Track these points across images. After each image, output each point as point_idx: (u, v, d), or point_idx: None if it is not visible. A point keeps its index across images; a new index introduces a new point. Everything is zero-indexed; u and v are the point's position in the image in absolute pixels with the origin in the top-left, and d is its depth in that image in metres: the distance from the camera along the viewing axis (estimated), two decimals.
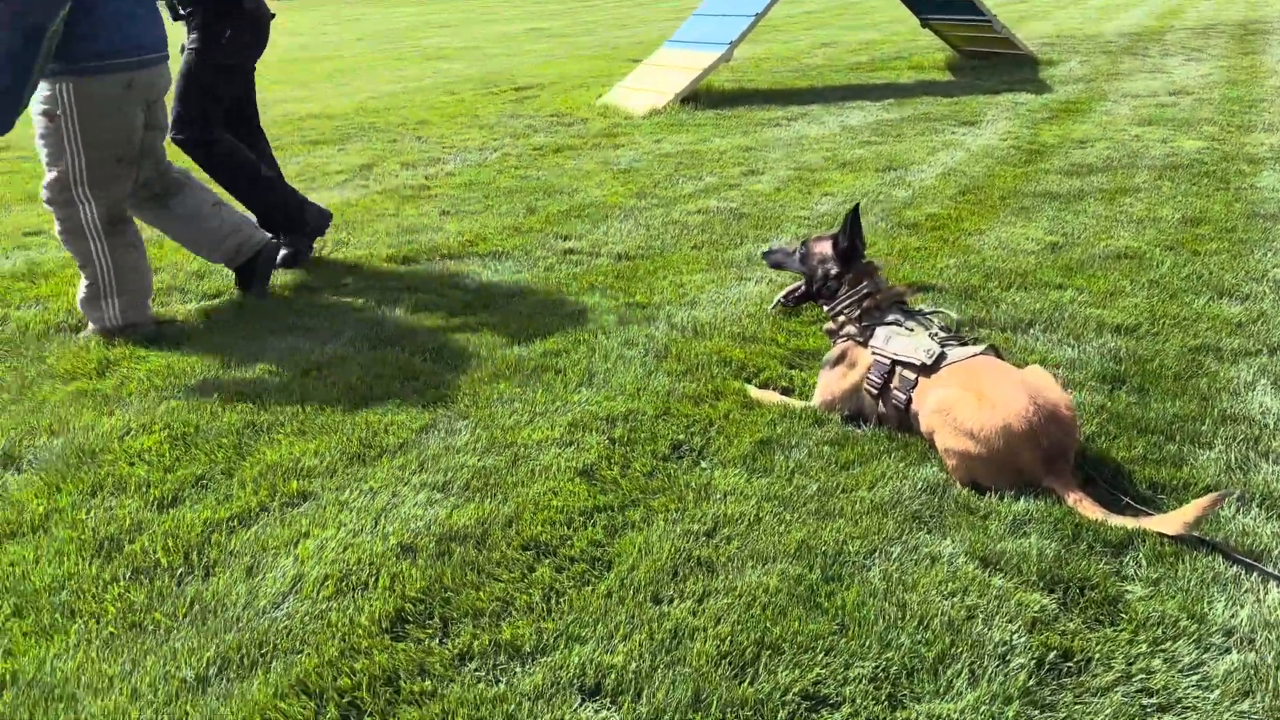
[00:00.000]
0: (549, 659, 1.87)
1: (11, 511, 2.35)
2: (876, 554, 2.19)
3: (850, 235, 2.88)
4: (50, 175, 3.36)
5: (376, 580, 2.09)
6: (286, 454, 2.61)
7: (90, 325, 3.50)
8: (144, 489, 2.45)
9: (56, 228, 3.47)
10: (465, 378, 3.09)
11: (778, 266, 3.18)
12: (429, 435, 2.73)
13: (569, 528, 2.28)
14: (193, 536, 2.24)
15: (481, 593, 2.05)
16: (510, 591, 2.06)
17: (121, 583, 2.08)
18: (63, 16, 3.05)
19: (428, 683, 1.81)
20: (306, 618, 1.97)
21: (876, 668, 1.84)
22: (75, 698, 1.76)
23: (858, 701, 1.77)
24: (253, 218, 4.12)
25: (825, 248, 2.97)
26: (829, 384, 2.88)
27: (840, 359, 2.88)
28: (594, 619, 1.97)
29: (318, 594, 2.05)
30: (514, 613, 2.00)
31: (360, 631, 1.93)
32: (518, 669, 1.85)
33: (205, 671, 1.82)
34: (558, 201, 5.41)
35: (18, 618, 1.96)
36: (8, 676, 1.80)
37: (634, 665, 1.84)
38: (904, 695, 1.78)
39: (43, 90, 3.22)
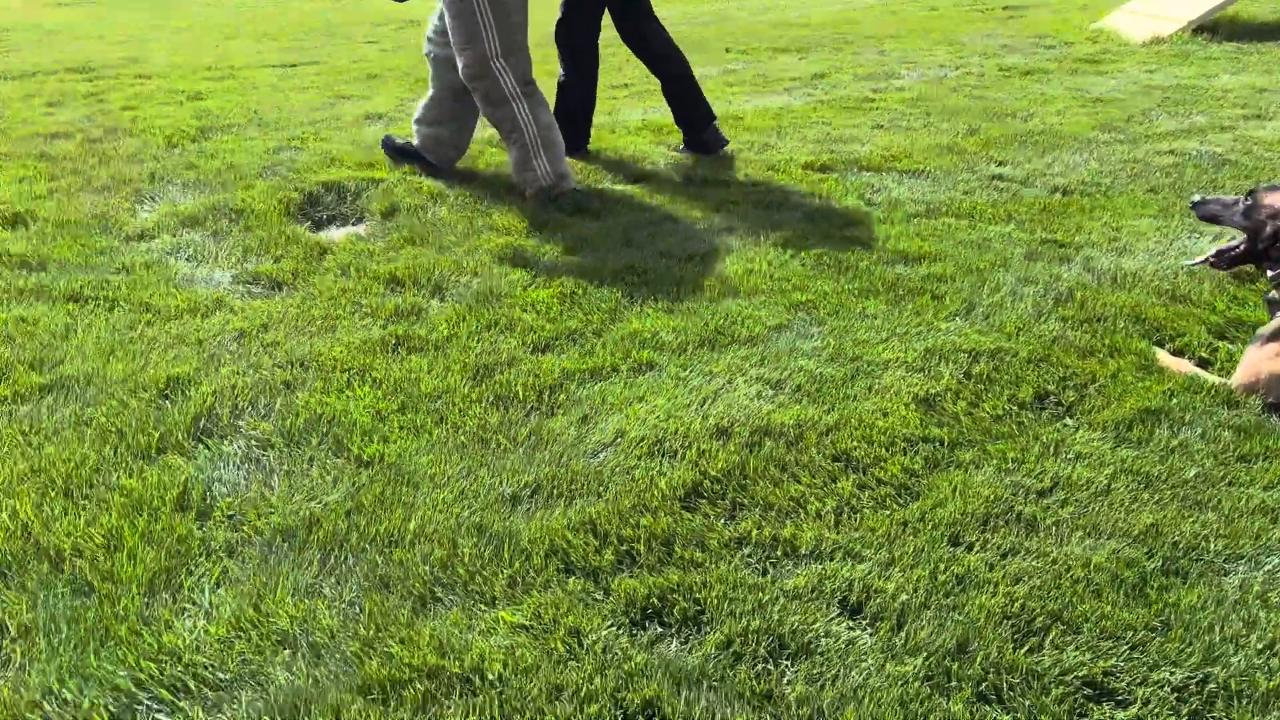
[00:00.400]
0: (819, 567, 1.83)
1: (425, 330, 2.77)
2: (1243, 560, 1.84)
3: None
4: (468, 55, 3.72)
5: (685, 453, 2.17)
6: (648, 326, 2.78)
7: (528, 189, 3.94)
8: (527, 333, 2.75)
9: (479, 102, 3.86)
10: (835, 286, 3.04)
11: (1212, 219, 2.70)
12: (780, 335, 2.74)
13: (887, 450, 2.19)
14: (550, 380, 2.49)
15: (777, 489, 2.06)
16: (805, 495, 2.04)
17: (483, 404, 2.38)
18: None
19: (699, 554, 1.87)
20: (615, 469, 2.12)
21: (1189, 679, 1.57)
22: (417, 484, 2.06)
23: (1151, 705, 1.53)
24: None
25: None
26: (1255, 362, 2.42)
27: (1275, 336, 2.40)
28: (879, 542, 1.89)
29: (631, 451, 2.18)
30: (801, 515, 1.98)
31: (656, 494, 2.03)
32: (786, 567, 1.84)
33: (520, 491, 2.05)
34: (1005, 125, 5.00)
35: (400, 413, 2.34)
36: (378, 456, 2.16)
37: (904, 597, 1.74)
38: (1212, 717, 1.50)
39: None
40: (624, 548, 1.88)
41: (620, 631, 1.68)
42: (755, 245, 3.42)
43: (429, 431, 2.26)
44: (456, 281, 3.12)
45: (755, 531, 1.93)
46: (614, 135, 4.90)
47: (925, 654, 1.62)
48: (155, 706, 1.53)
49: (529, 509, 2.00)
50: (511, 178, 4.01)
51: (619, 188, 4.11)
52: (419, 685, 1.55)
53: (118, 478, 2.07)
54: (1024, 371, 2.52)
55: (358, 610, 1.72)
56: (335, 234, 3.63)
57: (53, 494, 2.01)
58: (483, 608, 1.73)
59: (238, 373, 2.51)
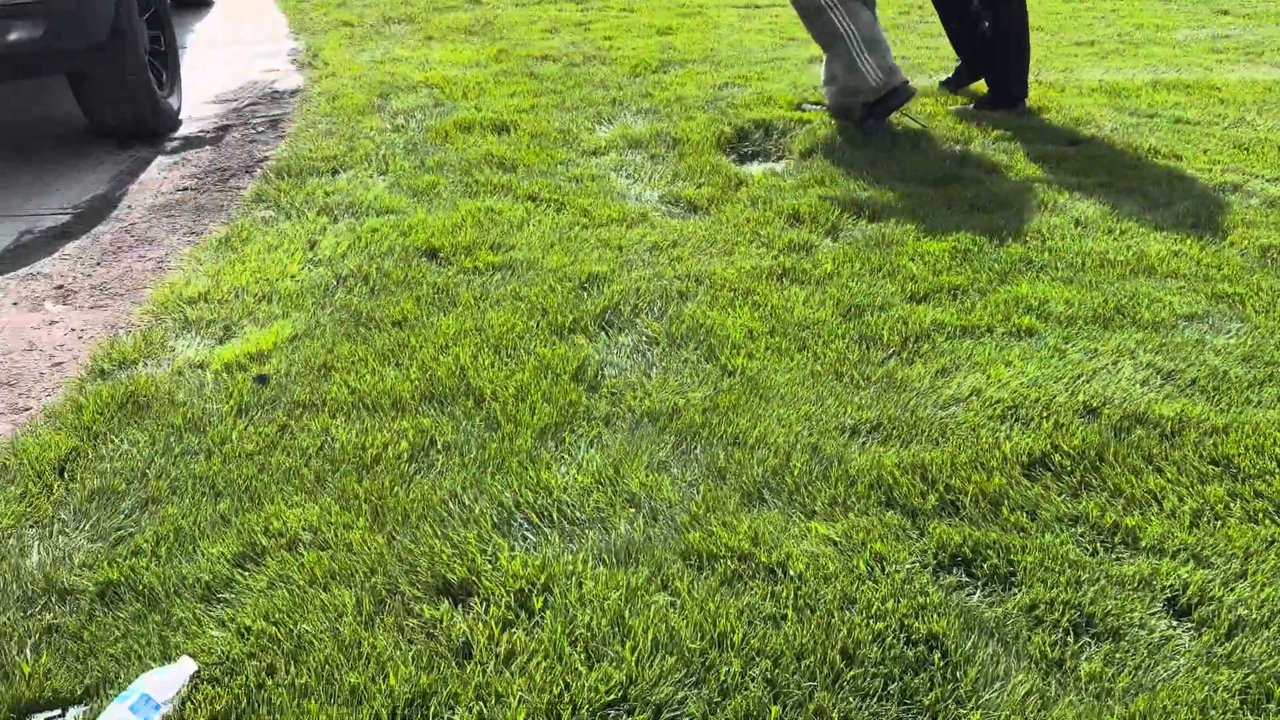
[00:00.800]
0: (1156, 562, 1.74)
1: (811, 265, 2.91)
2: None
3: None
4: None
5: (1040, 423, 2.12)
6: (1039, 293, 2.69)
7: (859, 100, 3.96)
8: (908, 281, 2.79)
9: (801, 20, 4.06)
10: (1277, 284, 2.70)
11: None
12: (1189, 324, 2.52)
13: None
14: (918, 329, 2.53)
15: (1134, 478, 1.95)
16: (1165, 490, 1.92)
17: (846, 340, 2.49)
18: None
19: (1026, 520, 1.85)
20: (961, 424, 2.13)
21: None
22: (769, 399, 2.24)
23: None
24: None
25: None
26: None
27: None
28: (1235, 554, 1.75)
29: (983, 411, 2.18)
30: (1153, 509, 1.88)
31: (997, 456, 2.02)
32: (1118, 554, 1.77)
33: (860, 425, 2.14)
34: None
35: (769, 335, 2.52)
36: (741, 368, 2.37)
37: (1244, 612, 1.61)
38: None
39: None
40: (949, 497, 1.92)
41: (924, 569, 1.74)
42: (1191, 227, 3.12)
43: (790, 355, 2.43)
44: (852, 224, 3.21)
45: (1095, 514, 1.86)
46: (1062, 94, 4.62)
47: (1247, 670, 1.50)
48: (525, 525, 1.87)
49: (865, 443, 2.09)
50: (829, 106, 4.13)
51: (1050, 148, 3.91)
52: (729, 562, 1.75)
53: (534, 345, 2.48)
54: None
55: (695, 491, 1.95)
56: (754, 168, 3.87)
57: (486, 349, 2.46)
58: (800, 517, 1.88)
59: (644, 278, 2.84)
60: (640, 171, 3.77)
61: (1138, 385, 2.25)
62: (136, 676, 1.53)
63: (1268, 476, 1.95)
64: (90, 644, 1.61)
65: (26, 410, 2.34)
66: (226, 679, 1.54)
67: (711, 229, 3.21)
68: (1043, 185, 3.51)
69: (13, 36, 3.55)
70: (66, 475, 2.03)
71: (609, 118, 4.43)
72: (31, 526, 1.89)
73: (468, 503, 1.91)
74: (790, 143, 4.08)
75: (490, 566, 1.74)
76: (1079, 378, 2.29)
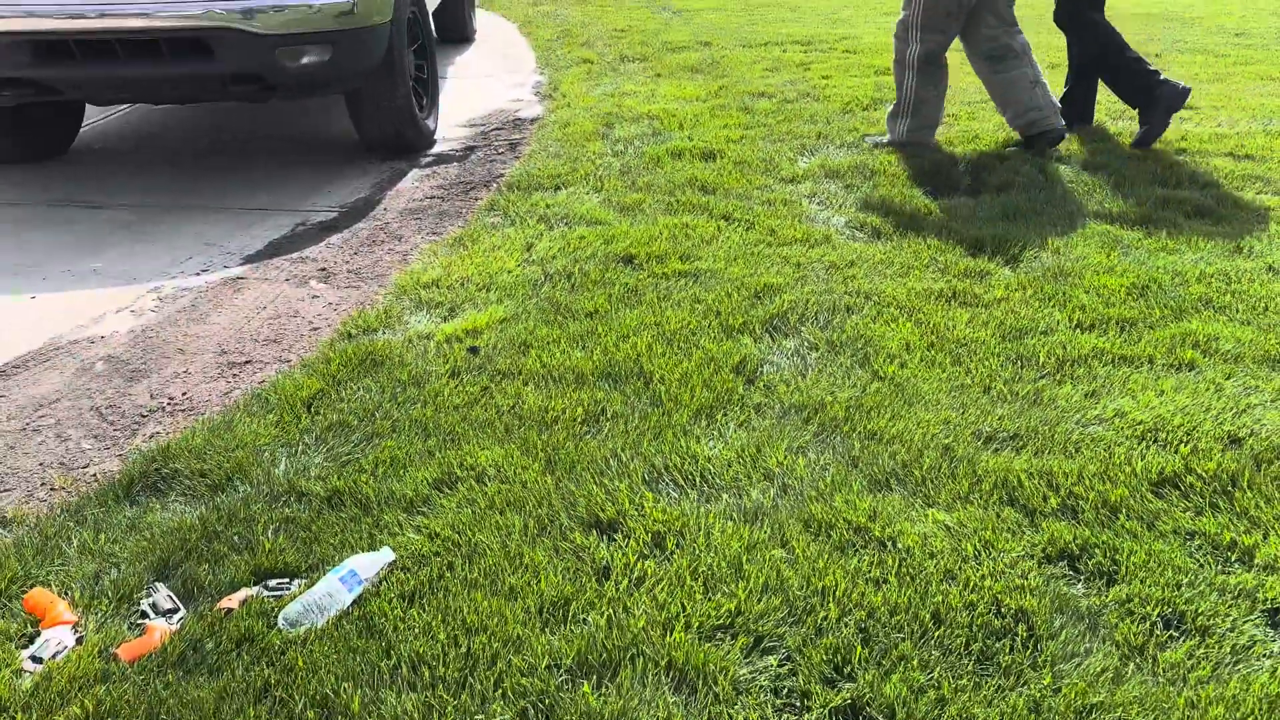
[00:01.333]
0: (1263, 578, 1.79)
1: (982, 289, 3.03)
2: None
3: None
4: (901, 17, 4.49)
5: (1179, 446, 2.18)
6: (1209, 330, 2.69)
7: (887, 135, 4.67)
8: (1076, 310, 2.87)
9: (893, 57, 4.59)
10: None
11: None
12: None
13: None
14: (1077, 353, 2.61)
15: (1265, 504, 1.99)
16: None
17: (1000, 358, 2.61)
18: None
19: (1142, 529, 1.93)
20: (1098, 440, 2.22)
21: None
22: (911, 403, 2.41)
23: None
24: (1056, 104, 4.48)
25: None
26: None
27: None
28: None
29: (1123, 430, 2.25)
30: (1275, 531, 1.91)
31: (1127, 471, 2.10)
32: (1228, 567, 1.84)
33: (996, 434, 2.27)
34: None
35: (925, 349, 2.67)
36: (891, 375, 2.54)
37: None
38: None
39: None
40: (1070, 502, 2.03)
41: (1028, 559, 1.87)
42: None
43: (943, 367, 2.58)
44: (1034, 256, 3.29)
45: (1214, 530, 1.92)
46: None
47: None
48: (671, 483, 2.15)
49: (998, 449, 2.22)
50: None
51: (1260, 196, 3.79)
52: (844, 532, 1.95)
53: (703, 340, 2.76)
54: None
55: (825, 472, 2.15)
56: (947, 200, 3.99)
57: (660, 340, 2.77)
58: (920, 504, 2.05)
59: (815, 292, 3.06)
60: (832, 198, 3.99)
61: None
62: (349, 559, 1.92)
63: None
64: (315, 533, 2.03)
65: (287, 362, 2.87)
66: (415, 568, 1.90)
67: (890, 253, 3.39)
68: (1241, 231, 3.44)
69: (305, 60, 4.24)
70: (312, 410, 2.49)
71: (812, 149, 4.67)
72: (282, 446, 2.35)
73: (625, 460, 2.21)
74: (987, 177, 4.17)
75: (636, 511, 2.03)
76: (1229, 410, 2.31)
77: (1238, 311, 2.82)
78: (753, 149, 4.68)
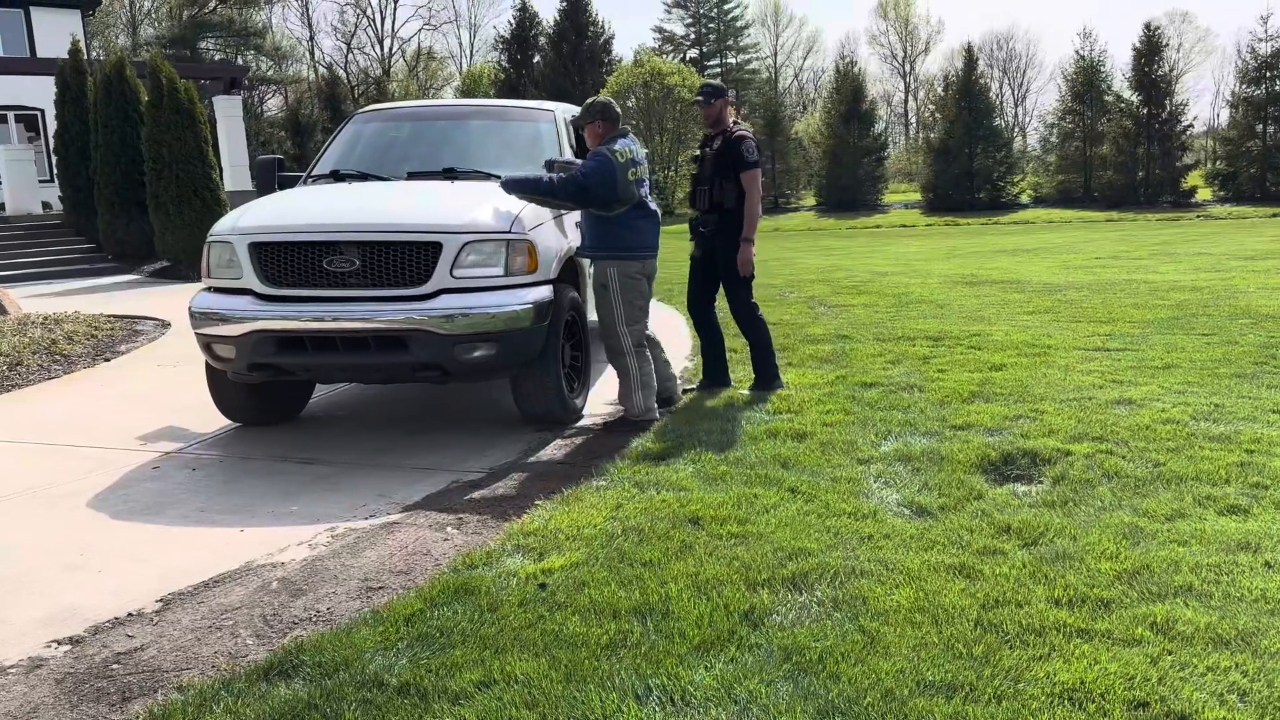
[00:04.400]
0: None
1: (989, 570, 3.44)
2: None
3: None
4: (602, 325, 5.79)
5: (1087, 704, 2.52)
6: (1176, 615, 2.99)
7: (626, 412, 5.86)
8: (1062, 589, 3.23)
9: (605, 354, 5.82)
10: None
11: None
12: None
13: None
14: (1040, 624, 2.98)
15: None
16: None
17: (972, 623, 3.02)
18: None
19: None
20: (1015, 694, 2.59)
21: None
22: (878, 654, 2.86)
23: None
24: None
25: None
26: None
27: None
28: None
29: (1043, 687, 2.62)
30: None
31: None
32: None
33: (937, 684, 2.69)
34: None
35: (911, 611, 3.12)
36: (872, 632, 3.00)
37: None
38: None
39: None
40: None
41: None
42: None
43: (920, 628, 3.02)
44: (1053, 540, 3.68)
45: None
46: None
47: None
48: (655, 700, 2.69)
49: (931, 696, 2.64)
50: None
51: None
52: None
53: (726, 589, 3.33)
54: None
55: (782, 701, 2.64)
56: (1003, 488, 4.42)
57: (690, 587, 3.36)
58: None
59: (840, 558, 3.58)
60: (895, 479, 4.52)
61: (1202, 693, 2.54)
62: None
63: None
64: (385, 713, 2.71)
65: (408, 587, 3.67)
66: None
67: (924, 529, 3.87)
68: (1261, 529, 3.68)
69: (478, 354, 5.37)
70: (409, 624, 3.25)
71: (896, 435, 5.24)
72: (380, 649, 3.09)
73: (626, 677, 2.79)
74: (1049, 470, 4.58)
75: (619, 717, 2.59)
76: (1150, 680, 2.62)
77: (1213, 599, 3.11)
78: (844, 433, 5.31)
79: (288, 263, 5.35)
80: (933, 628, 3.02)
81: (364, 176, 6.48)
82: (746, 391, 6.49)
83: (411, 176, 6.38)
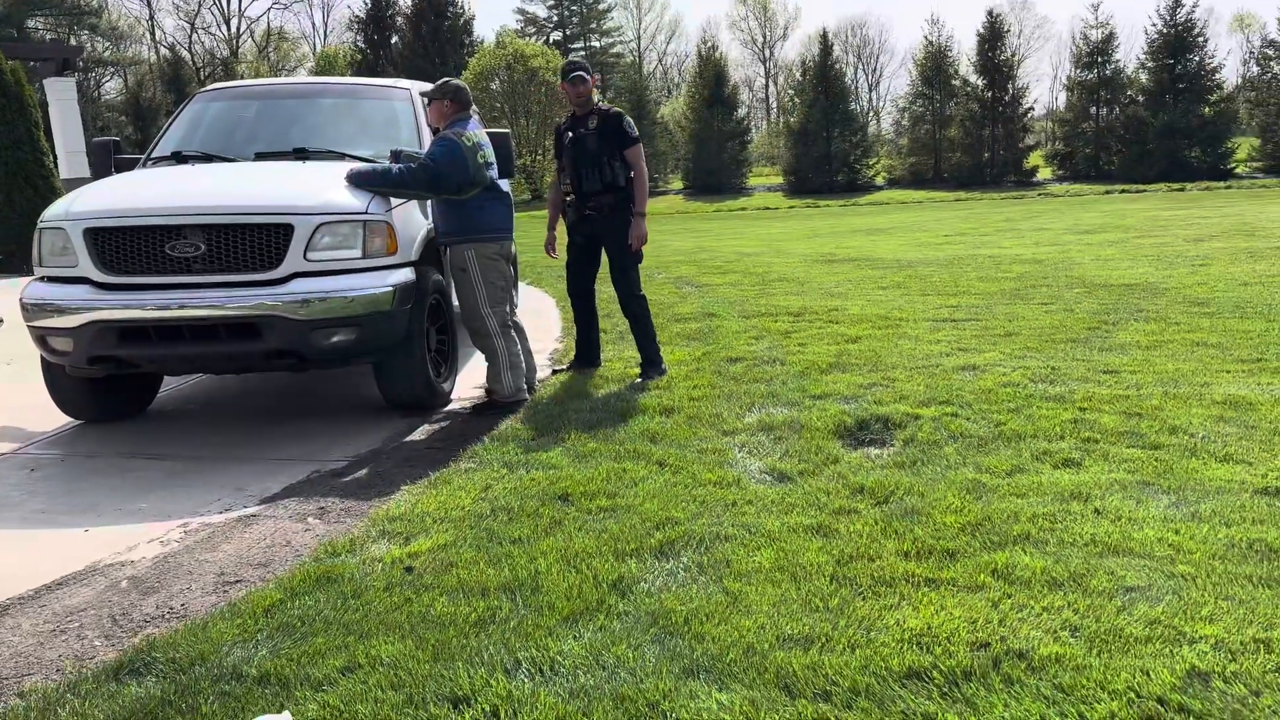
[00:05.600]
0: None
1: (845, 528, 3.59)
2: None
3: None
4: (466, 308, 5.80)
5: (934, 647, 2.67)
6: (1015, 561, 3.19)
7: (494, 394, 5.77)
8: (911, 543, 3.40)
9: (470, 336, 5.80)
10: None
11: None
12: (1129, 593, 2.92)
13: None
14: (891, 576, 3.13)
15: (987, 692, 2.45)
16: (1001, 704, 2.40)
17: (828, 578, 3.14)
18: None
19: (877, 710, 2.41)
20: (868, 642, 2.72)
21: None
22: (740, 612, 2.94)
23: None
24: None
25: None
26: None
27: None
28: None
29: (894, 634, 2.75)
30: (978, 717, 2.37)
31: (882, 666, 2.59)
32: None
33: (794, 637, 2.79)
34: None
35: (772, 571, 3.23)
36: (736, 594, 3.09)
37: None
38: None
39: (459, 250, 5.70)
40: (828, 687, 2.52)
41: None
42: (1192, 518, 3.45)
43: (780, 586, 3.12)
44: (902, 498, 3.86)
45: (934, 713, 2.39)
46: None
47: None
48: (524, 672, 2.70)
49: (790, 648, 2.74)
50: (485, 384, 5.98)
51: (1112, 448, 4.31)
52: (639, 706, 2.47)
53: (595, 562, 3.36)
54: None
55: (649, 663, 2.69)
56: (858, 452, 4.61)
57: (560, 561, 3.38)
58: (711, 689, 2.56)
59: (705, 525, 3.67)
60: (759, 448, 4.65)
61: (1039, 631, 2.72)
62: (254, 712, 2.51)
63: (1095, 704, 2.37)
64: (244, 703, 2.62)
65: (267, 579, 3.56)
66: (315, 716, 2.48)
67: (785, 494, 4.00)
68: (1091, 480, 3.96)
69: (336, 339, 5.22)
70: (269, 615, 3.15)
71: (759, 406, 5.39)
72: (239, 641, 2.99)
73: (495, 653, 2.79)
74: (900, 433, 4.79)
75: (485, 690, 2.59)
76: (992, 622, 2.79)
77: (1048, 545, 3.33)
78: (709, 406, 5.42)
79: (128, 248, 5.08)
80: (792, 585, 3.13)
81: (208, 158, 6.20)
82: (622, 371, 6.53)
83: (260, 157, 6.14)
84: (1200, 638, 2.66)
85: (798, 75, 51.84)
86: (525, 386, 5.96)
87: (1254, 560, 3.14)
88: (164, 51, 53.84)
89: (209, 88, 7.33)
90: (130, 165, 6.54)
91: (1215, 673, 2.49)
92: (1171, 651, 2.60)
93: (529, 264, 13.67)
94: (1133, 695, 2.40)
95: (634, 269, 6.47)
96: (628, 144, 6.26)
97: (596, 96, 6.48)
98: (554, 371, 6.70)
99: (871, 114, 64.23)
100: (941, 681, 2.52)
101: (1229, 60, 66.26)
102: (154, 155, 6.45)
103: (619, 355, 7.15)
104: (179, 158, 6.26)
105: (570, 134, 6.43)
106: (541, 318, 9.41)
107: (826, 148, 43.05)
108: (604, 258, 6.55)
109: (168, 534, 4.10)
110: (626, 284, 6.47)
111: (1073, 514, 3.61)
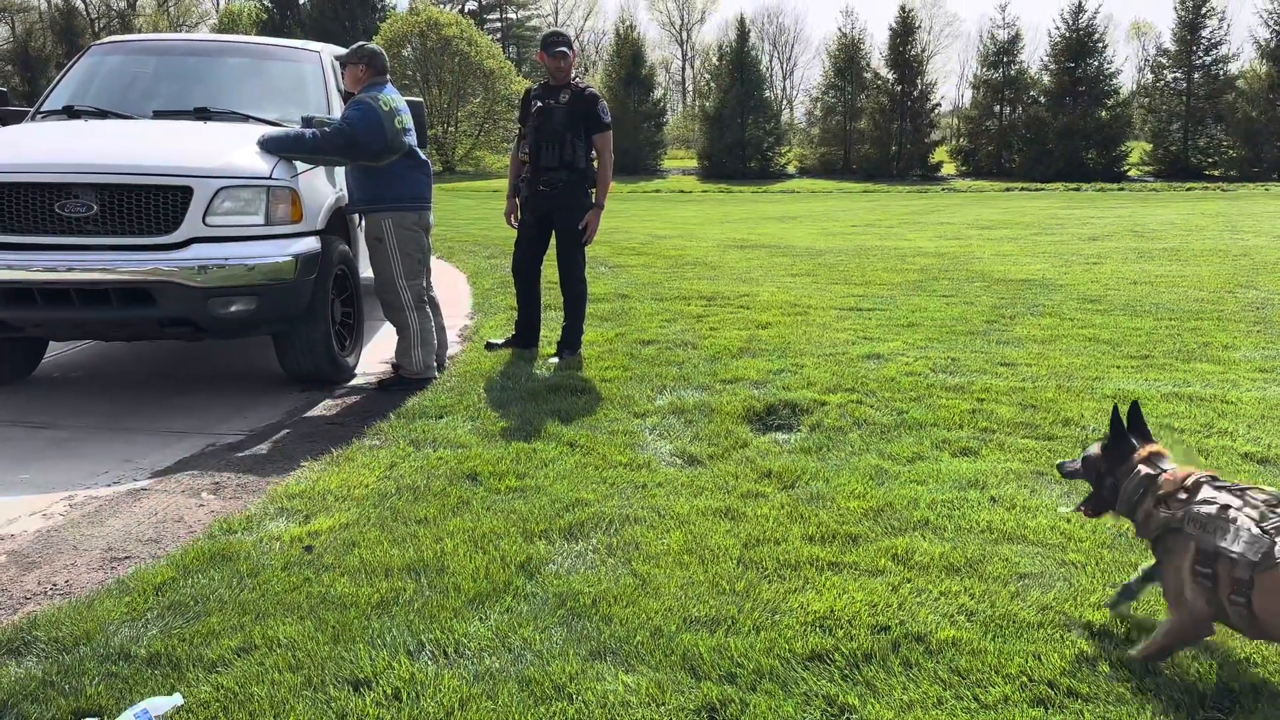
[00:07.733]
0: None
1: (752, 512, 3.63)
2: None
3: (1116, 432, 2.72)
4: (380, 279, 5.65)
5: (835, 630, 2.72)
6: (914, 547, 3.28)
7: (402, 369, 5.67)
8: (816, 527, 3.46)
9: (381, 308, 5.72)
10: None
11: (1072, 476, 2.88)
12: (1020, 580, 3.03)
13: None
14: (796, 559, 3.18)
15: (886, 674, 2.51)
16: (899, 685, 2.46)
17: (735, 561, 3.17)
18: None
19: (780, 692, 2.45)
20: (773, 625, 2.76)
21: None
22: (649, 595, 2.95)
23: None
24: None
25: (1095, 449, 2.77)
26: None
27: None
28: None
29: (798, 617, 2.79)
30: (880, 697, 2.43)
31: (786, 648, 2.63)
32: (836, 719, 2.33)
33: (699, 618, 2.80)
34: None
35: (681, 554, 3.24)
36: (645, 575, 3.10)
37: None
38: None
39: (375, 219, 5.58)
40: (732, 669, 2.55)
41: (681, 712, 2.38)
42: None
43: (688, 568, 3.14)
44: (808, 483, 3.92)
45: (835, 694, 2.44)
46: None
47: None
48: (428, 654, 2.66)
49: (696, 630, 2.76)
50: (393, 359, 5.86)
51: (1018, 440, 4.47)
52: (545, 688, 2.45)
53: (503, 543, 3.32)
54: None
55: (556, 645, 2.68)
56: (765, 437, 4.66)
57: (468, 542, 3.33)
58: (618, 670, 2.56)
59: (615, 506, 3.66)
60: (670, 431, 4.66)
61: (936, 615, 2.80)
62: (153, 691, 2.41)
63: (989, 687, 2.45)
64: (131, 685, 2.51)
65: (158, 555, 3.42)
66: (199, 710, 2.39)
67: (694, 477, 4.02)
68: (987, 469, 4.10)
69: (234, 309, 5.03)
70: (160, 593, 3.03)
71: (671, 390, 5.40)
72: (127, 620, 2.87)
73: (397, 635, 2.74)
74: (807, 419, 4.87)
75: (387, 672, 2.54)
76: (891, 606, 2.86)
77: (946, 531, 3.42)
78: (621, 388, 5.41)
79: (12, 206, 4.79)
80: (700, 567, 3.15)
81: (103, 114, 5.89)
82: (540, 351, 6.47)
83: (158, 115, 5.87)
84: (1089, 624, 2.77)
85: (714, 60, 52.07)
86: (434, 364, 5.83)
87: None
88: (56, 0, 51.02)
89: (105, 40, 6.97)
90: (18, 118, 6.17)
91: (1102, 657, 2.60)
92: (1062, 636, 2.70)
93: (440, 237, 13.42)
94: (1025, 679, 2.49)
95: (580, 252, 6.37)
96: (598, 129, 6.12)
97: (573, 74, 6.30)
98: (489, 345, 6.57)
99: (785, 103, 65.08)
100: (843, 664, 2.57)
101: (1126, 66, 68.69)
102: (44, 109, 6.10)
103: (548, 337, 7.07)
104: (71, 112, 5.94)
105: (539, 103, 6.18)
106: (453, 292, 9.25)
107: (741, 134, 43.42)
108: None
109: (50, 507, 3.91)
110: (570, 265, 6.36)
111: (970, 501, 3.72)
